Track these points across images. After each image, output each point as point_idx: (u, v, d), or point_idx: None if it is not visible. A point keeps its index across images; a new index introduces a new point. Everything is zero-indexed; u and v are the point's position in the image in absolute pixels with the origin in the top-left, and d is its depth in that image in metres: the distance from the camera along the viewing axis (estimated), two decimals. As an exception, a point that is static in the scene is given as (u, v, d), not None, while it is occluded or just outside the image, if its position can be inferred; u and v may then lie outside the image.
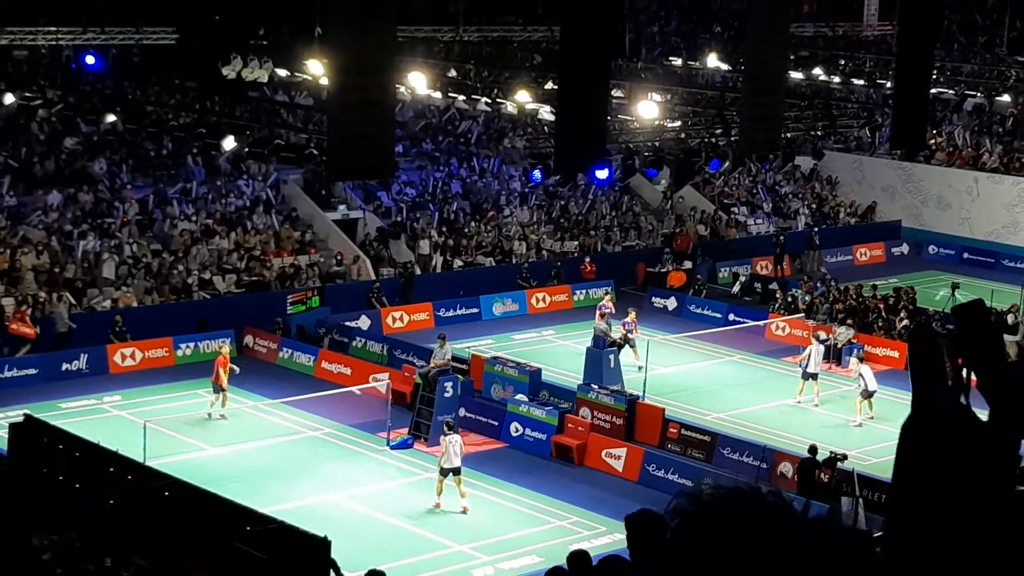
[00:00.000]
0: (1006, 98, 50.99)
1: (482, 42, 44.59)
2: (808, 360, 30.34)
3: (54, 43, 39.53)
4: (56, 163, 37.99)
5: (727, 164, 46.67)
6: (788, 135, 43.55)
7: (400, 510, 23.80)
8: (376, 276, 37.57)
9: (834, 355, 33.24)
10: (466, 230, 40.81)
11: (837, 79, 49.64)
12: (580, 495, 24.72)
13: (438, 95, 41.66)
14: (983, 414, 2.95)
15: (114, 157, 39.01)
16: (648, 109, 39.17)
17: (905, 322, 34.40)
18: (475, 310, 37.07)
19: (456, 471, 23.63)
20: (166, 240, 36.17)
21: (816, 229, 45.80)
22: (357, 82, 22.55)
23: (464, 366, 30.11)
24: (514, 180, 44.41)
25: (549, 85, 39.15)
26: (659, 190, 46.69)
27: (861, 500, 22.78)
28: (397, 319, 35.87)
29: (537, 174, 39.92)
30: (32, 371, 30.22)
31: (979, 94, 51.49)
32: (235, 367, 28.88)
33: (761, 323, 36.25)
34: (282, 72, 38.66)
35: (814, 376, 30.38)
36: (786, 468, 25.49)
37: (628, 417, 27.66)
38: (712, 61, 49.24)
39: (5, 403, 27.87)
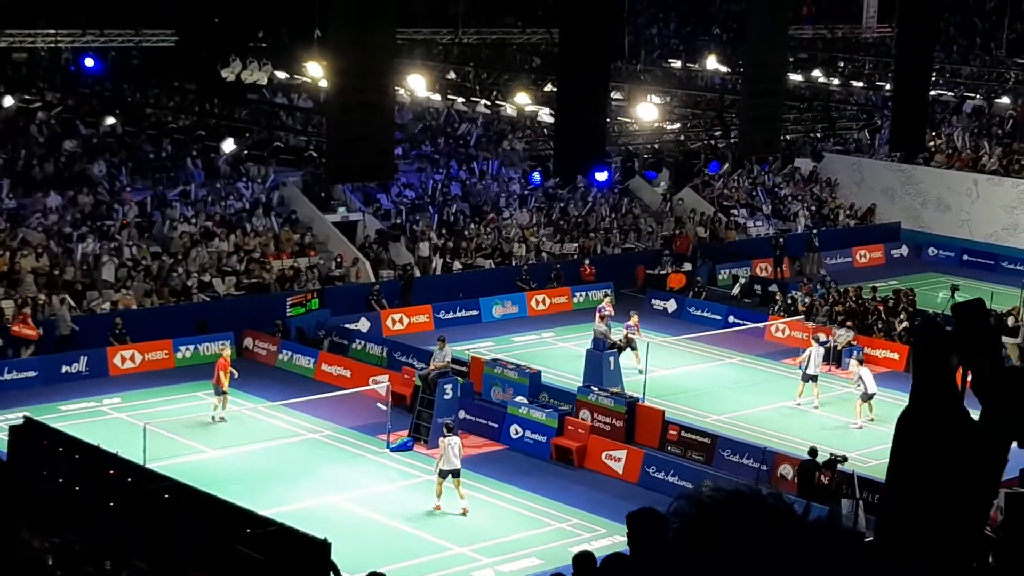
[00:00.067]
0: (1005, 100, 50.99)
1: (481, 44, 44.57)
2: (808, 362, 30.34)
3: (53, 45, 39.50)
4: (55, 165, 38.00)
5: (726, 166, 46.63)
6: (787, 137, 43.51)
7: (400, 512, 23.80)
8: (376, 278, 37.57)
9: (834, 357, 33.25)
10: (466, 232, 40.81)
11: (836, 81, 49.63)
12: (580, 497, 24.72)
13: (437, 97, 41.64)
14: (975, 414, 2.96)
15: (113, 159, 39.02)
16: (647, 111, 39.13)
17: (905, 324, 34.40)
18: (475, 312, 37.08)
19: (455, 473, 23.63)
20: (166, 242, 36.17)
21: (815, 231, 45.82)
22: (356, 84, 22.54)
23: (464, 368, 30.12)
24: (513, 182, 44.42)
25: (548, 87, 39.12)
26: (658, 192, 46.70)
27: (861, 502, 22.78)
28: (397, 321, 35.87)
29: (536, 176, 39.86)
30: (32, 373, 30.22)
31: (978, 96, 51.49)
32: (233, 371, 28.86)
33: (761, 325, 36.26)
34: (281, 74, 38.64)
35: (814, 378, 30.39)
36: (786, 470, 25.50)
37: (628, 419, 27.66)
38: (711, 63, 49.24)
39: (5, 405, 27.87)
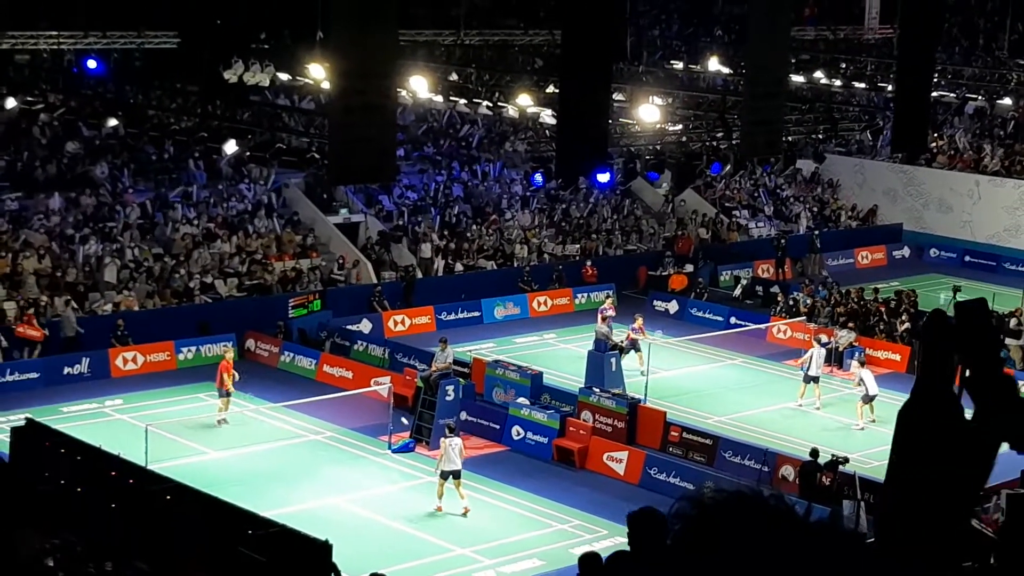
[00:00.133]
0: (1007, 101, 50.99)
1: (483, 46, 44.61)
2: (809, 363, 30.33)
3: (56, 47, 39.54)
4: (58, 167, 38.02)
5: (728, 167, 46.69)
6: (789, 138, 43.55)
7: (402, 514, 23.81)
8: (378, 280, 37.58)
9: (835, 358, 33.24)
10: (467, 234, 40.82)
11: (838, 82, 49.65)
12: (581, 499, 24.72)
13: (439, 99, 41.67)
14: (970, 413, 2.97)
15: (116, 161, 39.03)
16: (649, 112, 39.15)
17: (907, 325, 34.40)
18: (476, 314, 37.08)
19: (456, 474, 23.64)
20: (168, 244, 36.19)
21: (817, 232, 45.82)
22: (358, 86, 22.57)
23: (465, 369, 30.12)
24: (515, 184, 44.43)
25: (550, 89, 39.13)
26: (660, 193, 46.70)
27: (863, 503, 22.77)
28: (399, 323, 35.88)
29: (538, 178, 39.96)
30: (34, 375, 30.22)
31: (980, 97, 51.50)
32: (235, 373, 28.76)
33: (762, 326, 36.26)
34: (284, 76, 38.69)
35: (815, 379, 30.38)
36: (787, 471, 25.49)
37: (629, 420, 27.66)
38: (713, 64, 49.26)
39: (7, 407, 27.88)
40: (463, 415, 27.42)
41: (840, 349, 33.54)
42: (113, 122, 38.14)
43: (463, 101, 41.15)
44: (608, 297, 36.67)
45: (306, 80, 39.69)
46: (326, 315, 34.42)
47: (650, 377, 30.21)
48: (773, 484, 24.66)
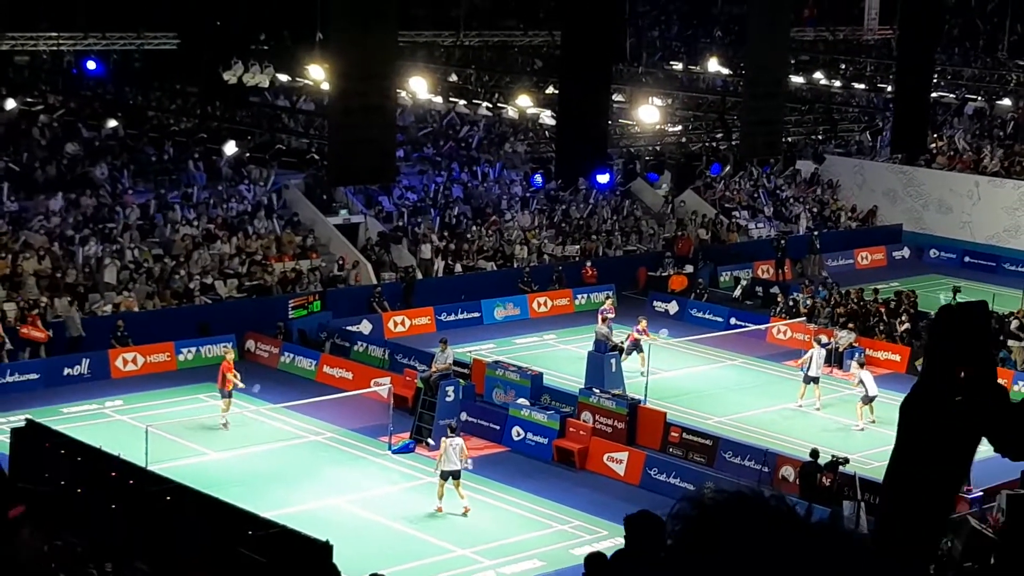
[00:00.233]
0: (1007, 102, 50.98)
1: (483, 47, 44.60)
2: (809, 364, 30.34)
3: (55, 48, 39.55)
4: (57, 168, 38.02)
5: (728, 168, 46.69)
6: (789, 139, 43.53)
7: (402, 514, 23.81)
8: (378, 281, 37.58)
9: (835, 359, 33.25)
10: (467, 235, 40.83)
11: (838, 83, 49.64)
12: (582, 499, 24.73)
13: (439, 100, 41.67)
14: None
15: (115, 162, 39.04)
16: (649, 113, 39.14)
17: (906, 326, 34.41)
18: (476, 314, 37.09)
19: (456, 474, 23.65)
20: (167, 245, 36.19)
21: (817, 233, 45.83)
22: (358, 87, 22.57)
23: (465, 370, 30.13)
24: (515, 184, 44.43)
25: (550, 90, 39.12)
26: (660, 194, 46.70)
27: (863, 504, 22.78)
28: (399, 323, 35.88)
29: (538, 178, 39.94)
30: (34, 376, 30.23)
31: (980, 98, 51.49)
32: (237, 376, 28.57)
33: (762, 327, 36.27)
34: (283, 77, 38.68)
35: (815, 380, 30.38)
36: (788, 472, 25.50)
37: (630, 421, 27.67)
38: (713, 65, 49.26)
39: (7, 408, 27.89)
40: (463, 416, 27.42)
41: (840, 350, 33.55)
42: (113, 123, 38.14)
43: (463, 102, 41.14)
44: (608, 298, 36.67)
45: (306, 81, 39.69)
46: (326, 316, 34.43)
47: (650, 378, 30.21)
48: (773, 485, 24.67)
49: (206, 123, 37.05)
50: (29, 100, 39.12)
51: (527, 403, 28.16)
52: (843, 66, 51.62)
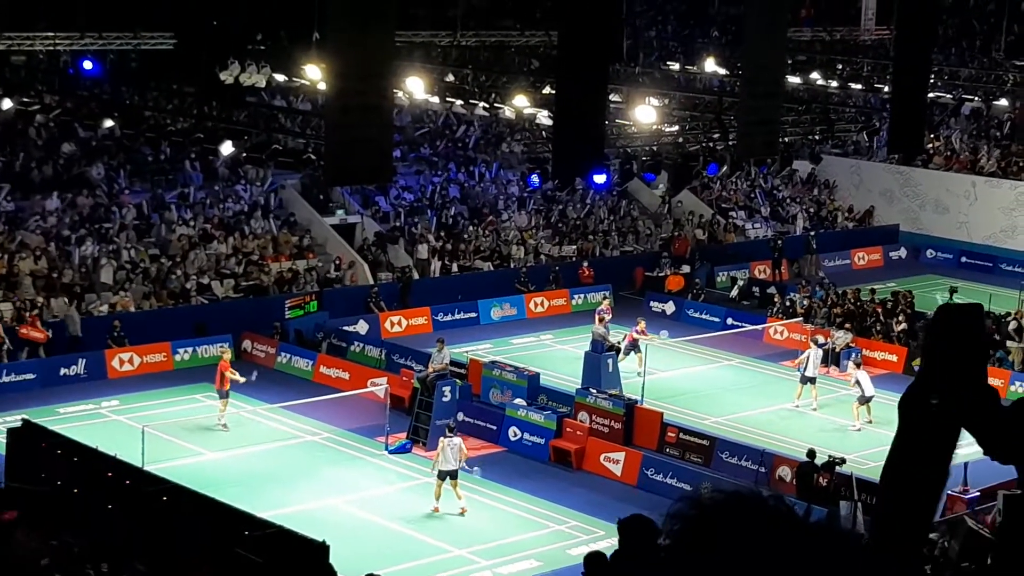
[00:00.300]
0: (1003, 102, 51.03)
1: (480, 47, 44.59)
2: (806, 364, 30.34)
3: (52, 48, 39.50)
4: (54, 168, 38.00)
5: (725, 168, 46.69)
6: (786, 139, 43.55)
7: (399, 514, 23.80)
8: (374, 281, 37.57)
9: (832, 359, 33.25)
10: (464, 235, 40.82)
11: (835, 83, 49.68)
12: (578, 499, 24.72)
13: (436, 100, 41.66)
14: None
15: (112, 162, 39.02)
16: (646, 114, 39.15)
17: (903, 326, 34.42)
18: (473, 315, 37.08)
19: (453, 474, 23.64)
20: (164, 245, 36.17)
21: (814, 233, 45.85)
22: (355, 87, 22.56)
23: (462, 370, 30.13)
24: (512, 185, 44.43)
25: (547, 90, 39.12)
26: (657, 194, 46.70)
27: (860, 504, 22.78)
28: (395, 324, 35.87)
29: (535, 179, 39.95)
30: (30, 376, 30.20)
31: (977, 98, 51.54)
32: (235, 374, 28.57)
33: (759, 327, 36.28)
34: (280, 77, 38.65)
35: (812, 380, 30.39)
36: (784, 472, 25.51)
37: (626, 421, 27.66)
38: (710, 65, 49.27)
39: (3, 408, 27.87)
40: (460, 416, 27.40)
41: (837, 350, 33.55)
42: (109, 123, 38.10)
43: (460, 102, 41.13)
44: (605, 298, 36.66)
45: (302, 81, 39.68)
46: (323, 316, 34.42)
47: (647, 378, 30.21)
48: (770, 485, 24.68)
49: (203, 123, 37.02)
50: (25, 100, 39.05)
51: (524, 403, 28.15)
52: (840, 66, 51.66)
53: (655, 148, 45.14)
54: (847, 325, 34.54)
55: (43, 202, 36.22)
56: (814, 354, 30.48)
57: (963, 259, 46.13)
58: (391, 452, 26.83)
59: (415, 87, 39.71)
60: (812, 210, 48.83)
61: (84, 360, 30.92)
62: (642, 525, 6.21)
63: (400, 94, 37.84)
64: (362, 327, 34.98)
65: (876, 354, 33.80)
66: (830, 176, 50.54)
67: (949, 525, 17.79)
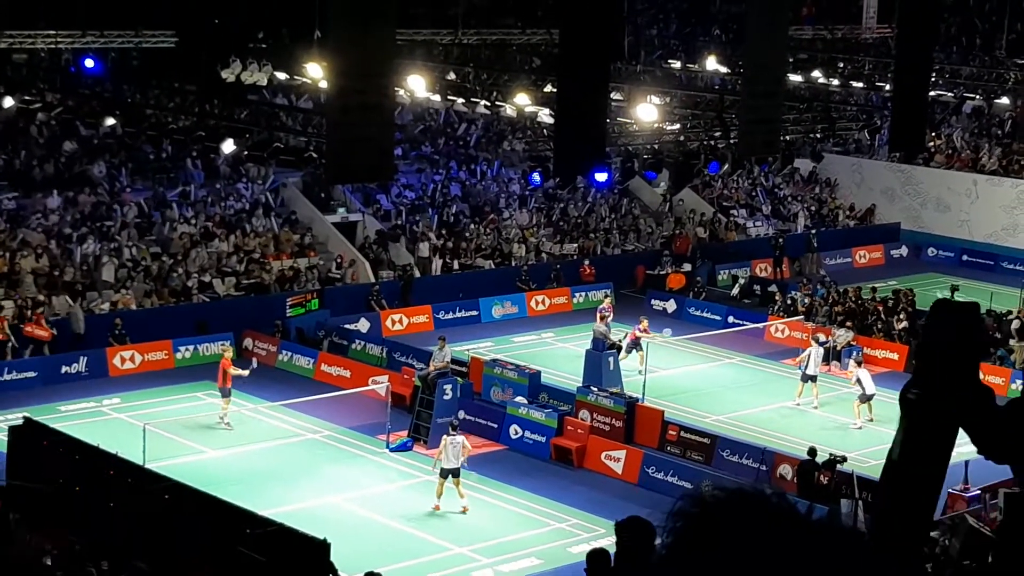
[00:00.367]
0: (1005, 100, 51.01)
1: (481, 45, 44.59)
2: (807, 362, 30.34)
3: (53, 46, 39.52)
4: (55, 166, 38.00)
5: (726, 167, 46.65)
6: (787, 138, 43.52)
7: (400, 512, 23.81)
8: (375, 279, 37.58)
9: (833, 357, 33.24)
10: (465, 233, 40.82)
11: (836, 82, 49.65)
12: (579, 497, 24.72)
13: (437, 98, 41.67)
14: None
15: (113, 160, 39.02)
16: (647, 112, 39.15)
17: (904, 324, 34.41)
18: (474, 313, 37.08)
19: (455, 472, 23.64)
20: (165, 243, 36.18)
21: (815, 231, 45.84)
22: (356, 85, 22.56)
23: (463, 368, 30.12)
24: (513, 183, 44.43)
25: (548, 88, 39.13)
26: (658, 193, 46.70)
27: (861, 502, 22.78)
28: (396, 322, 35.87)
29: (536, 177, 39.88)
30: (31, 374, 30.21)
31: (978, 96, 51.52)
32: (241, 371, 28.60)
33: (760, 325, 36.27)
34: (281, 75, 38.66)
35: (813, 378, 30.39)
36: (785, 470, 25.51)
37: (627, 419, 27.66)
38: (711, 64, 49.26)
39: (4, 406, 27.87)
40: (461, 414, 27.40)
41: (838, 348, 33.55)
42: (111, 121, 38.10)
43: (461, 100, 41.14)
44: (607, 297, 36.65)
45: (304, 79, 39.69)
46: (324, 314, 34.42)
47: (648, 376, 30.21)
48: (771, 483, 24.68)
49: (204, 121, 37.03)
50: (27, 98, 39.06)
51: (525, 401, 28.15)
52: (841, 64, 51.65)
53: (656, 146, 45.12)
54: (848, 323, 34.55)
55: (45, 200, 36.23)
56: (815, 352, 30.48)
57: (964, 257, 46.12)
58: (392, 450, 26.83)
59: (416, 85, 39.72)
60: (813, 208, 48.82)
61: (85, 358, 30.94)
62: (639, 527, 6.21)
63: (401, 92, 37.85)
64: (363, 325, 34.99)
65: (877, 352, 33.80)
66: (831, 174, 50.54)
67: (950, 524, 17.80)
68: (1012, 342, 33.23)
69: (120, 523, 19.52)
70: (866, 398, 28.83)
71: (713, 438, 27.12)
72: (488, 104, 40.09)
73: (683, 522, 2.09)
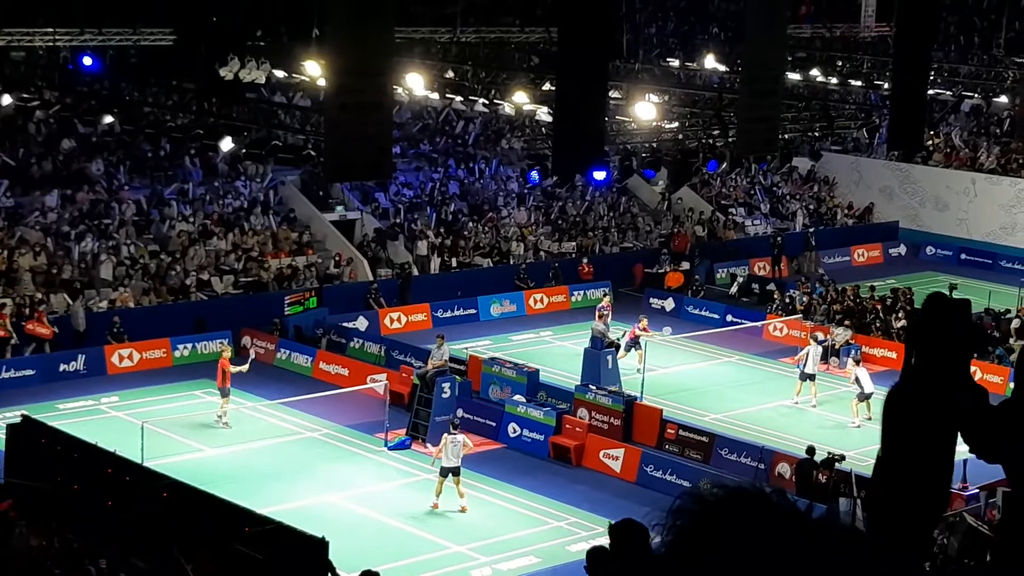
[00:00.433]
0: (1003, 99, 51.01)
1: (480, 43, 44.57)
2: (806, 361, 30.35)
3: (51, 44, 39.47)
4: (53, 164, 37.98)
5: (725, 165, 46.69)
6: (786, 136, 43.54)
7: (398, 511, 23.80)
8: (374, 277, 37.57)
9: (832, 355, 33.24)
10: (464, 231, 40.81)
11: (835, 80, 49.64)
12: (578, 496, 24.72)
13: (436, 96, 41.67)
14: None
15: (111, 158, 39.00)
16: (646, 110, 39.15)
17: (903, 323, 34.40)
18: (473, 311, 37.07)
19: (455, 471, 23.63)
20: (164, 241, 36.17)
21: (813, 230, 45.84)
22: (355, 83, 22.53)
23: (462, 367, 30.11)
24: (512, 181, 44.42)
25: (547, 86, 39.13)
26: (657, 191, 46.70)
27: (859, 501, 22.77)
28: (395, 320, 35.87)
29: (535, 175, 39.92)
30: (30, 372, 30.20)
31: (976, 95, 51.51)
32: (243, 367, 28.60)
33: (759, 324, 36.27)
34: (280, 73, 38.64)
35: (812, 377, 30.40)
36: (784, 469, 25.51)
37: (626, 418, 27.67)
38: (710, 62, 49.24)
39: (3, 404, 27.87)
40: (460, 412, 27.40)
41: (836, 347, 33.56)
42: (109, 119, 38.10)
43: (459, 98, 41.14)
44: (606, 295, 36.66)
45: (302, 77, 39.67)
46: (322, 312, 34.41)
47: (646, 374, 30.20)
48: (769, 482, 24.68)
49: (202, 119, 37.04)
50: (25, 96, 39.06)
51: (523, 400, 28.15)
52: (840, 63, 51.62)
53: (655, 145, 45.14)
54: (846, 322, 34.55)
55: (43, 198, 36.21)
56: (813, 351, 30.49)
57: (963, 256, 46.13)
58: (390, 448, 26.83)
59: (415, 83, 39.70)
60: (812, 207, 48.82)
61: (84, 356, 30.93)
62: (633, 530, 6.19)
63: (400, 90, 37.84)
64: (361, 323, 34.99)
65: (875, 351, 33.81)
66: (830, 173, 50.55)
67: (949, 522, 17.81)
68: (1012, 341, 33.21)
69: (118, 521, 19.51)
70: (864, 396, 28.83)
71: (711, 436, 27.13)
72: (486, 102, 40.09)
73: (684, 520, 2.09)
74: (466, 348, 32.46)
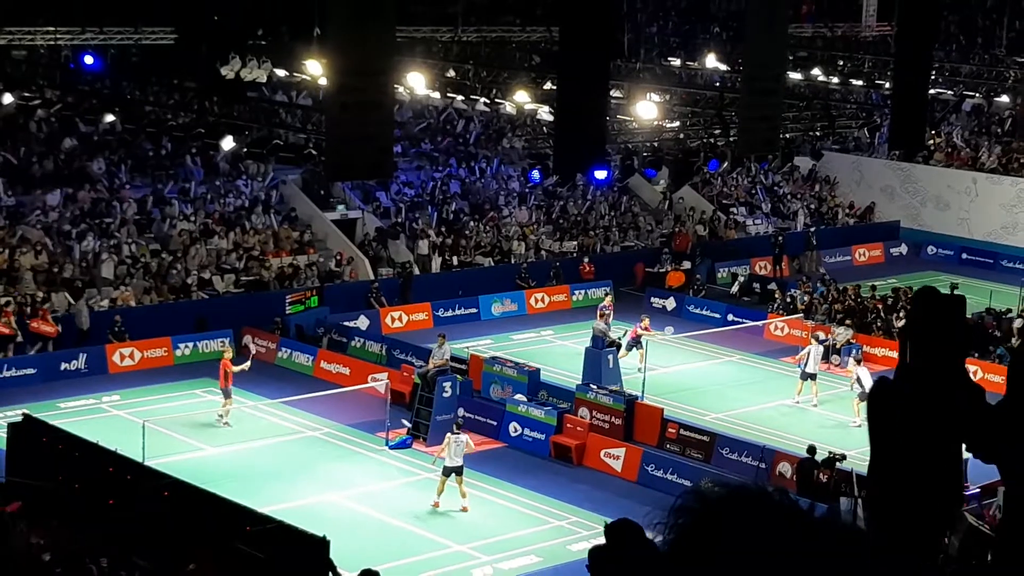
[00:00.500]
0: (1005, 99, 51.00)
1: (481, 42, 44.56)
2: (807, 360, 30.34)
3: (53, 43, 39.47)
4: (55, 163, 37.98)
5: (726, 164, 46.66)
6: (787, 136, 43.52)
7: (399, 510, 23.81)
8: (375, 276, 37.58)
9: (833, 355, 33.23)
10: (465, 230, 40.81)
11: (836, 80, 49.64)
12: (579, 495, 24.72)
13: (437, 95, 41.65)
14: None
15: (113, 157, 39.00)
16: (647, 109, 39.15)
17: (904, 322, 34.38)
18: (474, 310, 37.08)
19: (458, 471, 23.63)
20: (165, 240, 36.17)
21: (814, 229, 45.83)
22: (356, 82, 22.53)
23: (463, 366, 30.12)
24: (513, 180, 44.41)
25: (548, 85, 39.12)
26: (658, 190, 46.69)
27: (860, 500, 22.77)
28: (396, 319, 35.87)
29: (536, 174, 39.90)
30: (31, 371, 30.21)
31: (978, 95, 51.51)
32: (245, 366, 28.61)
33: (760, 323, 36.27)
34: (281, 72, 38.64)
35: (813, 376, 30.39)
36: (785, 468, 25.51)
37: (627, 417, 27.66)
38: (711, 61, 49.24)
39: (4, 402, 27.87)
40: (461, 411, 27.40)
41: (837, 346, 33.56)
42: (110, 118, 38.09)
43: (460, 98, 41.12)
44: (607, 295, 36.66)
45: (303, 76, 39.66)
46: (323, 311, 34.42)
47: (647, 374, 30.20)
48: (770, 481, 24.68)
49: (203, 118, 37.03)
50: (26, 95, 39.05)
51: (524, 399, 28.15)
52: (841, 62, 51.63)
53: (656, 144, 45.12)
54: (848, 321, 34.55)
55: (44, 197, 36.22)
56: (815, 350, 30.49)
57: (964, 255, 46.12)
58: (392, 448, 26.83)
59: (416, 83, 39.71)
60: (813, 206, 48.81)
61: (85, 355, 30.94)
62: (630, 530, 6.19)
63: (401, 90, 37.84)
64: (363, 323, 34.99)
65: (877, 350, 33.79)
66: (831, 172, 50.54)
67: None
68: (1014, 340, 33.21)
69: (119, 520, 19.52)
70: (866, 396, 28.79)
71: (712, 436, 27.13)
72: (488, 101, 40.08)
73: (685, 518, 2.09)
74: (467, 347, 32.46)
